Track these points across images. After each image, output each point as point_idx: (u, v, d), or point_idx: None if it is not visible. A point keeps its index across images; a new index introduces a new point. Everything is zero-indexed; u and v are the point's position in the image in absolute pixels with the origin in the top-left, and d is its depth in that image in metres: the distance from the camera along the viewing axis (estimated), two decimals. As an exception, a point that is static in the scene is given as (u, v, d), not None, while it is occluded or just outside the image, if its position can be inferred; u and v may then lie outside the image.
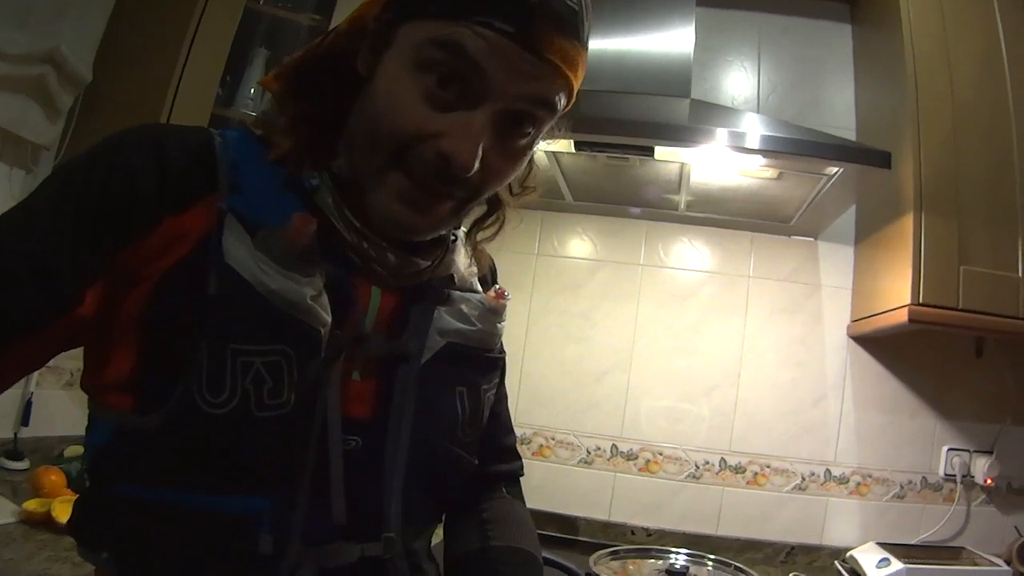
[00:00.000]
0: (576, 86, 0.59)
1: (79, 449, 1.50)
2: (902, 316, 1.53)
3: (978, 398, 1.85)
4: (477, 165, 0.55)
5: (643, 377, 1.96)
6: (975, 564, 1.59)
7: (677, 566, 1.63)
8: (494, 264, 0.81)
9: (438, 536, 0.77)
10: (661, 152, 1.51)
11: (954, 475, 1.81)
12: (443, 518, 0.78)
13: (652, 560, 1.71)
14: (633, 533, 1.87)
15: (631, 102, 1.61)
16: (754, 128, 1.47)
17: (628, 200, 1.91)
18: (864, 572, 1.56)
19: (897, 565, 1.51)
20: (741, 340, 1.94)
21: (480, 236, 0.72)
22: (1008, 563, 1.62)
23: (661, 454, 1.92)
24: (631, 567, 1.67)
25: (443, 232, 0.65)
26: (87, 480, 0.59)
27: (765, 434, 1.90)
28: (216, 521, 0.55)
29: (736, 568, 1.66)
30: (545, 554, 0.80)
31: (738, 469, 1.89)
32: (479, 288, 0.73)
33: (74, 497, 1.03)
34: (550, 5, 0.54)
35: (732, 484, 1.89)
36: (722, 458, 1.90)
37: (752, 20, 2.08)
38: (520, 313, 2.00)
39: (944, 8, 1.66)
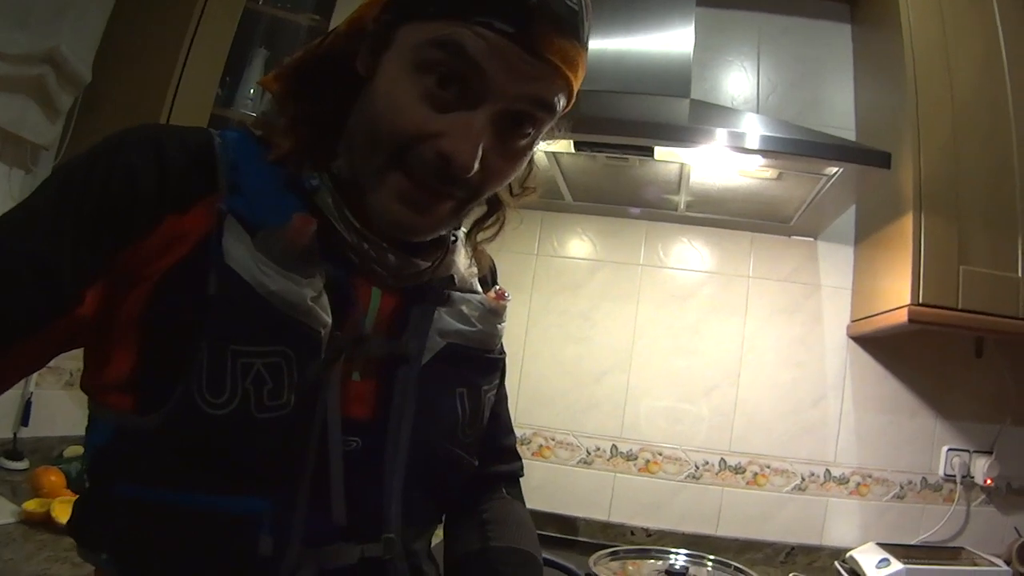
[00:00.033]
0: (576, 86, 0.59)
1: (79, 449, 1.50)
2: (902, 316, 1.53)
3: (978, 398, 1.85)
4: (477, 165, 0.55)
5: (643, 377, 1.96)
6: (975, 564, 1.59)
7: (677, 566, 1.63)
8: (494, 265, 0.81)
9: (438, 537, 0.77)
10: (661, 152, 1.51)
11: (954, 475, 1.81)
12: (443, 519, 0.77)
13: (652, 560, 1.71)
14: (633, 533, 1.87)
15: (631, 102, 1.61)
16: (754, 128, 1.47)
17: (628, 200, 1.92)
18: (864, 572, 1.56)
19: (897, 565, 1.51)
20: (741, 340, 1.94)
21: (480, 237, 0.72)
22: (1008, 563, 1.62)
23: (661, 454, 1.92)
24: (631, 567, 1.67)
25: (443, 232, 0.65)
26: (87, 480, 0.59)
27: (765, 434, 1.90)
28: (216, 522, 0.55)
29: (736, 568, 1.66)
30: (545, 554, 0.80)
31: (738, 469, 1.89)
32: (479, 289, 0.72)
33: (74, 497, 1.03)
34: (550, 6, 0.54)
35: (732, 484, 1.89)
36: (722, 458, 1.90)
37: (752, 20, 2.08)
38: (520, 313, 2.00)
39: (944, 8, 1.66)
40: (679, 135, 1.45)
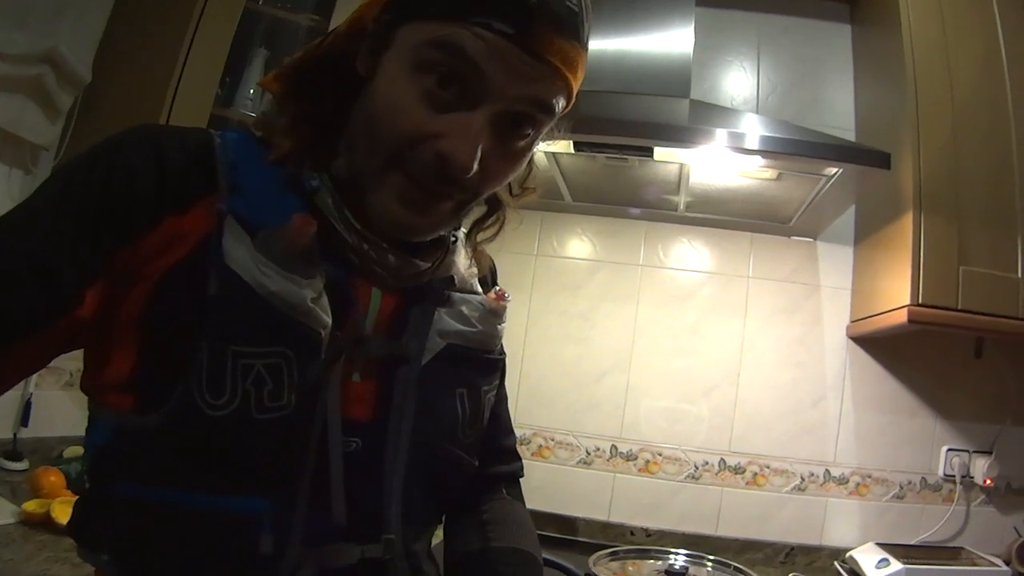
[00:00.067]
0: (576, 87, 0.59)
1: (78, 450, 1.50)
2: (901, 316, 1.53)
3: (977, 398, 1.85)
4: (476, 166, 0.55)
5: (642, 377, 1.96)
6: (974, 564, 1.59)
7: (676, 567, 1.63)
8: (494, 265, 0.81)
9: (438, 537, 0.77)
10: (660, 153, 1.51)
11: (953, 475, 1.81)
12: (443, 519, 0.77)
13: (651, 561, 1.71)
14: (632, 534, 1.87)
15: (630, 102, 1.61)
16: (753, 128, 1.47)
17: (627, 201, 1.91)
18: (863, 572, 1.56)
19: (896, 565, 1.51)
20: (740, 340, 1.94)
21: (480, 237, 0.72)
22: (1007, 563, 1.62)
23: (660, 455, 1.92)
24: (630, 568, 1.67)
25: (443, 233, 0.65)
26: (87, 480, 0.59)
27: (764, 434, 1.90)
28: (216, 521, 0.55)
29: (735, 569, 1.66)
30: (545, 555, 0.80)
31: (737, 469, 1.89)
32: (479, 289, 0.72)
33: (73, 498, 1.03)
34: (549, 6, 0.54)
35: (731, 484, 1.89)
36: (721, 458, 1.90)
37: (752, 20, 2.08)
38: (519, 314, 2.00)
39: (944, 8, 1.66)
40: (679, 135, 1.45)
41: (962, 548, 1.71)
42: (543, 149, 1.50)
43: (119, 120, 1.23)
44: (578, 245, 2.04)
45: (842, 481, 1.86)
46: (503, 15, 0.53)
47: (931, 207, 1.55)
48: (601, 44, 1.67)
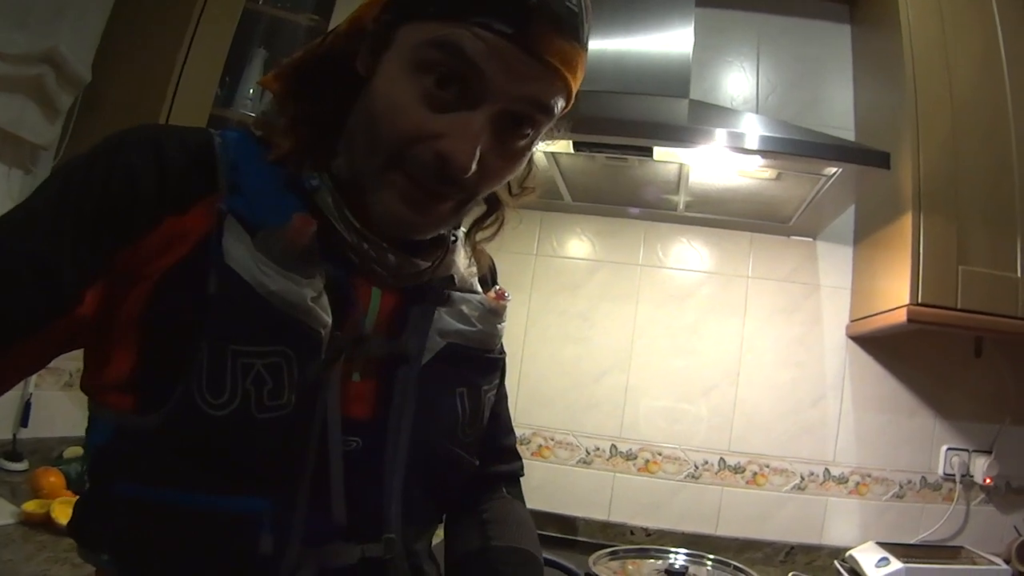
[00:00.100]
0: (575, 87, 0.59)
1: (78, 450, 1.50)
2: (901, 316, 1.53)
3: (977, 398, 1.85)
4: (475, 166, 0.55)
5: (642, 377, 1.96)
6: (974, 563, 1.59)
7: (676, 566, 1.63)
8: (494, 264, 0.81)
9: (438, 536, 0.77)
10: (660, 152, 1.51)
11: (953, 475, 1.81)
12: (443, 518, 0.78)
13: (651, 560, 1.71)
14: (632, 533, 1.87)
15: (630, 102, 1.61)
16: (753, 128, 1.47)
17: (627, 200, 1.92)
18: (863, 571, 1.56)
19: (896, 564, 1.51)
20: (740, 340, 1.94)
21: (479, 236, 0.72)
22: (1007, 562, 1.62)
23: (660, 454, 1.92)
24: (630, 567, 1.67)
25: (443, 232, 0.65)
26: (87, 480, 0.59)
27: (764, 434, 1.90)
28: (216, 521, 0.55)
29: (735, 568, 1.66)
30: (545, 554, 0.80)
31: (737, 469, 1.89)
32: (479, 289, 0.72)
33: (73, 498, 1.03)
34: (549, 6, 0.54)
35: (731, 484, 1.89)
36: (721, 458, 1.90)
37: (751, 20, 2.08)
38: (519, 313, 2.00)
39: (943, 9, 1.66)
40: (678, 135, 1.45)
41: (962, 547, 1.71)
42: (543, 149, 1.50)
43: (119, 120, 1.23)
44: (577, 245, 2.04)
45: (842, 480, 1.86)
46: (503, 15, 0.53)
47: (930, 207, 1.55)
48: (601, 44, 1.67)
